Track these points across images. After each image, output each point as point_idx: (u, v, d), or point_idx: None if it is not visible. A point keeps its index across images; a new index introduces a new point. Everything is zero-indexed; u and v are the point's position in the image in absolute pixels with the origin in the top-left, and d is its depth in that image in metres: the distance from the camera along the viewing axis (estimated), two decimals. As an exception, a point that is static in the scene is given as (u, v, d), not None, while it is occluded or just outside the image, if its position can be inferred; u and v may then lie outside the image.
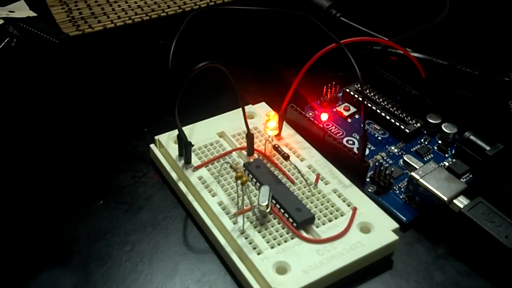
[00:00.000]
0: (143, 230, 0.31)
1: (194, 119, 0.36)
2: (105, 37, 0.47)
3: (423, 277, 0.30)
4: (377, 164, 0.34)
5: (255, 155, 0.34)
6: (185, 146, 0.33)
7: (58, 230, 0.31)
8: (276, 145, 0.34)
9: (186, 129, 0.35)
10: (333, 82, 0.39)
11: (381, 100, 0.38)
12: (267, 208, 0.30)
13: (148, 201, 0.33)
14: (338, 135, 0.37)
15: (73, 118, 0.39)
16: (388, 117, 0.37)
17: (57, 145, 0.36)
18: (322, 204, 0.31)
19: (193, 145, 0.33)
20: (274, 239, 0.29)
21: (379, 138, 0.37)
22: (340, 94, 0.40)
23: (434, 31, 0.42)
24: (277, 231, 0.30)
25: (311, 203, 0.31)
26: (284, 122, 0.36)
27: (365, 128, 0.37)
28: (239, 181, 0.29)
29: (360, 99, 0.38)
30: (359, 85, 0.39)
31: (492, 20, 0.50)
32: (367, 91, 0.39)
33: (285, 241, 0.29)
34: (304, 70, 0.34)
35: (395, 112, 0.37)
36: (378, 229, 0.30)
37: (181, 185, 0.33)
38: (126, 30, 0.48)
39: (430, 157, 0.35)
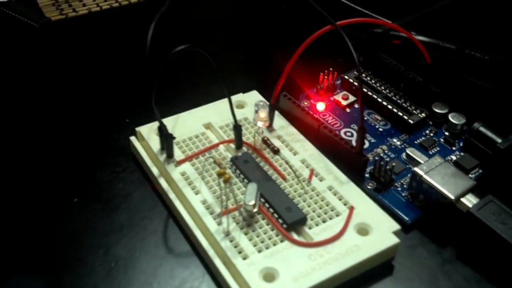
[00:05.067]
0: (119, 231, 0.29)
1: (180, 109, 0.34)
2: (90, 21, 0.44)
3: (427, 283, 0.27)
4: (377, 158, 0.31)
5: (244, 149, 0.31)
6: (166, 139, 0.30)
7: (27, 230, 0.28)
8: (266, 138, 0.31)
9: (170, 120, 0.33)
10: (331, 69, 0.36)
11: (383, 88, 0.35)
12: (254, 208, 0.27)
13: (126, 198, 0.30)
14: (335, 126, 0.34)
15: (52, 107, 0.36)
16: (390, 107, 0.34)
17: (33, 136, 0.34)
18: (315, 203, 0.28)
19: (175, 138, 0.30)
20: (262, 242, 0.27)
21: (380, 129, 0.34)
22: (339, 82, 0.37)
23: (441, 12, 0.39)
24: (265, 233, 0.27)
25: (304, 201, 0.29)
26: (277, 113, 0.33)
27: (363, 117, 0.34)
28: (221, 178, 0.26)
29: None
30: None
31: (504, 0, 0.47)
32: (368, 78, 0.36)
33: (274, 245, 0.27)
34: (297, 55, 0.31)
35: (398, 101, 0.34)
36: (377, 231, 0.27)
37: (162, 181, 0.30)
38: (113, 13, 0.45)
39: (435, 150, 0.33)
